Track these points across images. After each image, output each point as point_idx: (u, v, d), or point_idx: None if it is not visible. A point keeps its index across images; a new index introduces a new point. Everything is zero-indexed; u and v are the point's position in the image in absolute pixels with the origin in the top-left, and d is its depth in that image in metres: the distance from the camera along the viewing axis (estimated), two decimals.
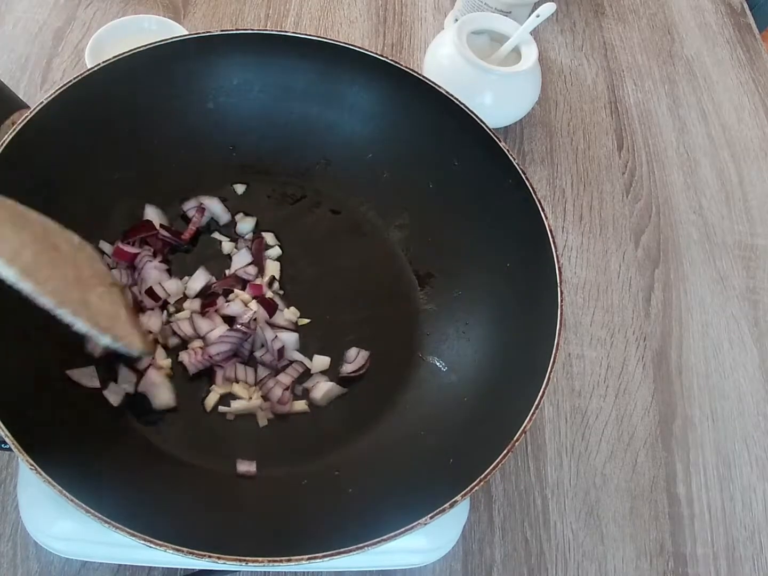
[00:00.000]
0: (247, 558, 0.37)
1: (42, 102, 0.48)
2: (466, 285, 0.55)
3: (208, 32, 0.55)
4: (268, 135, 0.60)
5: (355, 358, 0.54)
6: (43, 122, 0.48)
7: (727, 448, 0.61)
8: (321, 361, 0.53)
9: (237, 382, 0.51)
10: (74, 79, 0.50)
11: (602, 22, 0.92)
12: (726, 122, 0.84)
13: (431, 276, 0.58)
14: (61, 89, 0.49)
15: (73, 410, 0.46)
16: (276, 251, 0.58)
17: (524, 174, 0.52)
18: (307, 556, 0.38)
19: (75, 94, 0.50)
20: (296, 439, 0.50)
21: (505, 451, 0.41)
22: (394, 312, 0.57)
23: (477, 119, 0.54)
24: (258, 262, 0.56)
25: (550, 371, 0.44)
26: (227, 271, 0.56)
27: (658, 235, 0.73)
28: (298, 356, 0.53)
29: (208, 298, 0.54)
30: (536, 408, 0.43)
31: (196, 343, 0.52)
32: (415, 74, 0.56)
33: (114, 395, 0.48)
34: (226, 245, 0.57)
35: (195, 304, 0.54)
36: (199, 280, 0.55)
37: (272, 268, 0.57)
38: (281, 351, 0.52)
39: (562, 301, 0.47)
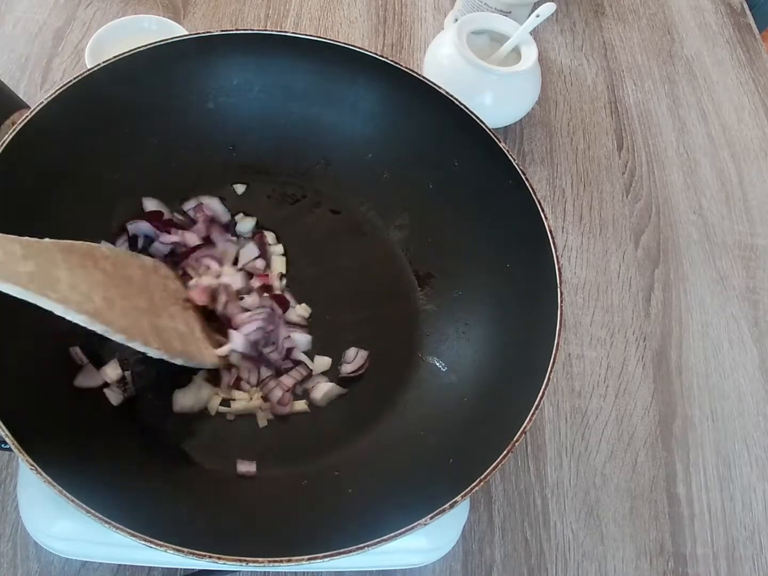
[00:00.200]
0: (247, 558, 0.37)
1: (42, 102, 0.48)
2: (466, 285, 0.55)
3: (208, 32, 0.55)
4: (268, 135, 0.60)
5: (355, 358, 0.54)
6: (43, 122, 0.48)
7: (727, 448, 0.61)
8: (322, 362, 0.53)
9: (240, 381, 0.51)
10: (74, 79, 0.50)
11: (602, 22, 0.92)
12: (726, 122, 0.84)
13: (431, 276, 0.58)
14: (61, 89, 0.49)
15: (73, 410, 0.46)
16: (279, 248, 0.58)
17: (524, 174, 0.52)
18: (307, 556, 0.38)
19: (75, 94, 0.50)
20: (296, 440, 0.50)
21: (505, 452, 0.41)
22: (394, 312, 0.57)
23: (477, 119, 0.54)
24: (264, 255, 0.57)
25: (550, 371, 0.44)
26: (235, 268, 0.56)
27: (658, 235, 0.74)
28: (302, 357, 0.53)
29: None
30: (536, 408, 0.43)
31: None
32: (415, 74, 0.56)
33: (114, 395, 0.49)
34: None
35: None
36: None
37: (279, 264, 0.57)
38: (290, 351, 0.52)
39: (562, 301, 0.47)
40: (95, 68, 0.51)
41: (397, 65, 0.56)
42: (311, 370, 0.53)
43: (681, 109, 0.84)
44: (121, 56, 0.52)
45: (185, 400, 0.50)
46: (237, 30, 0.56)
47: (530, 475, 0.58)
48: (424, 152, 0.58)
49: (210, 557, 0.37)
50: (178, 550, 0.37)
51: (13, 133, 0.47)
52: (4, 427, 0.38)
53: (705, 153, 0.81)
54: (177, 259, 0.55)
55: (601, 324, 0.66)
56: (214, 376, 0.51)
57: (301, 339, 0.53)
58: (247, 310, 0.53)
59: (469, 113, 0.54)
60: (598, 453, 0.59)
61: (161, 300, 0.48)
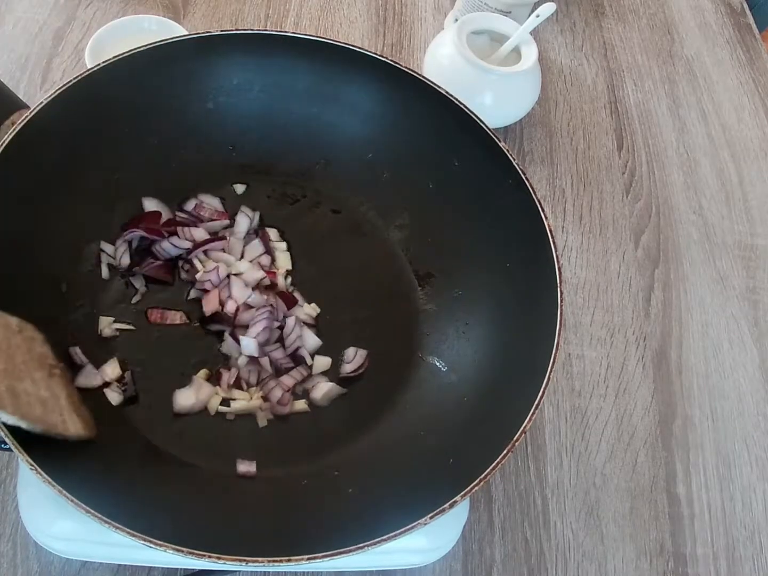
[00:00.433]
0: (247, 558, 0.37)
1: (42, 102, 0.48)
2: (466, 285, 0.55)
3: (208, 32, 0.55)
4: (268, 135, 0.60)
5: (354, 358, 0.54)
6: (43, 122, 0.48)
7: (727, 448, 0.61)
8: (322, 362, 0.53)
9: (240, 380, 0.51)
10: (74, 79, 0.50)
11: (602, 22, 0.92)
12: (726, 122, 0.84)
13: (431, 276, 0.58)
14: (61, 89, 0.49)
15: None
16: (282, 245, 0.58)
17: (524, 174, 0.52)
18: (307, 556, 0.38)
19: (75, 94, 0.50)
20: (296, 439, 0.50)
21: (505, 451, 0.41)
22: (394, 312, 0.57)
23: (477, 119, 0.54)
24: (269, 251, 0.57)
25: (550, 371, 0.44)
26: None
27: (658, 235, 0.74)
28: (306, 356, 0.53)
29: None
30: (536, 408, 0.43)
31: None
32: (415, 74, 0.56)
33: (114, 395, 0.49)
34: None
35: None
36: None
37: (284, 260, 0.57)
38: (295, 351, 0.52)
39: (562, 301, 0.47)
40: (95, 68, 0.51)
41: (397, 65, 0.56)
42: (311, 370, 0.53)
43: (681, 109, 0.84)
44: (121, 56, 0.52)
45: (185, 399, 0.50)
46: (237, 30, 0.56)
47: (530, 475, 0.58)
48: (424, 152, 0.58)
49: (210, 557, 0.37)
50: (178, 550, 0.37)
51: (13, 133, 0.47)
52: (4, 427, 0.38)
53: (705, 153, 0.81)
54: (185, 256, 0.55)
55: (601, 324, 0.66)
56: (214, 376, 0.51)
57: (310, 339, 0.53)
58: (250, 307, 0.53)
59: (469, 113, 0.54)
60: (598, 453, 0.59)
61: (24, 363, 0.43)
